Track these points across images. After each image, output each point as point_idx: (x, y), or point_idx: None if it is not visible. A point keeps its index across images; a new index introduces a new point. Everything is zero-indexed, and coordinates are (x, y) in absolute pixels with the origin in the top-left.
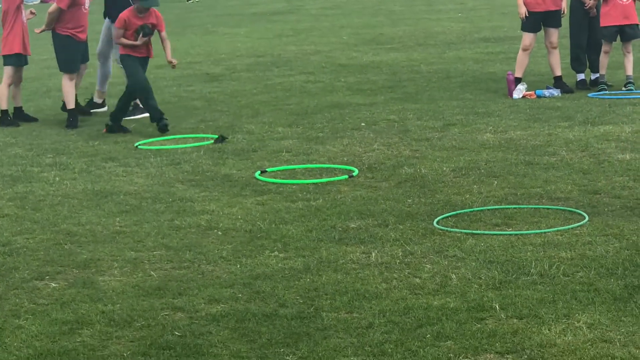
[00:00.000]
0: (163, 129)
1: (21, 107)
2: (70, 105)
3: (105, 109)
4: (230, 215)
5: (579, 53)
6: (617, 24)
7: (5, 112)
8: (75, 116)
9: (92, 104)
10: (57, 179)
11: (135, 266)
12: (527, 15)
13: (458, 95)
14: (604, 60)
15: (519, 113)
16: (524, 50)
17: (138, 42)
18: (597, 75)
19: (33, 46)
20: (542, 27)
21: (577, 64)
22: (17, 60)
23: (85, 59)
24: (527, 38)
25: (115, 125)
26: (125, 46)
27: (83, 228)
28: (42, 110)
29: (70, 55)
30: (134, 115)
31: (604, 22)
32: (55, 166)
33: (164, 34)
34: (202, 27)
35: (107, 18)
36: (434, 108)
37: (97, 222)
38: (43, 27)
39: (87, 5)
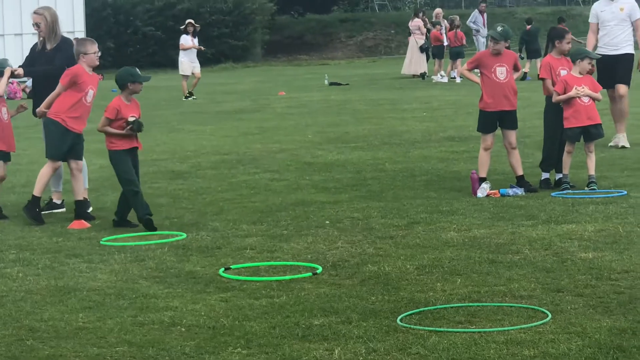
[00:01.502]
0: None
1: None
2: (36, 192)
3: (63, 209)
4: (194, 312)
5: (551, 154)
6: (582, 124)
7: None
8: (36, 204)
9: (51, 205)
10: (20, 274)
11: None
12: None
13: (422, 193)
14: (566, 160)
15: (482, 211)
16: (485, 149)
17: (123, 132)
18: (561, 175)
19: None
20: (500, 128)
21: (545, 165)
22: None
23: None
24: (486, 138)
25: (121, 221)
26: (111, 136)
27: (46, 324)
28: (6, 207)
29: (55, 140)
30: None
31: (568, 123)
32: (19, 262)
33: None
34: (168, 125)
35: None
36: (398, 206)
37: (60, 318)
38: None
39: (89, 97)
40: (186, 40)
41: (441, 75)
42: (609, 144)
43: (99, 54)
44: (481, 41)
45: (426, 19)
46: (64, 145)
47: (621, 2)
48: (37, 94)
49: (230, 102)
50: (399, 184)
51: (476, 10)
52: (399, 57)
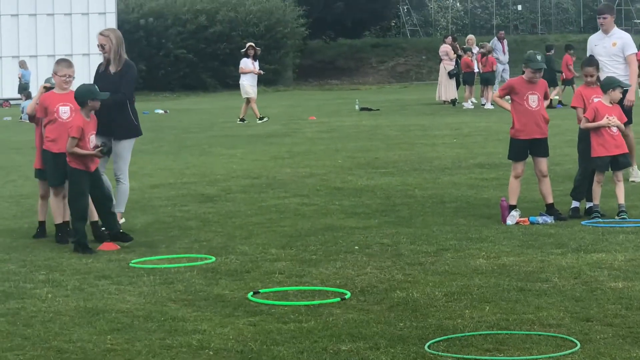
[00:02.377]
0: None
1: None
2: (57, 220)
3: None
4: (222, 336)
5: (584, 183)
6: (611, 154)
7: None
8: (64, 231)
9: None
10: (50, 295)
11: None
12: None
13: (452, 220)
14: (596, 189)
15: (512, 239)
16: (516, 177)
17: (93, 153)
18: (592, 204)
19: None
20: (530, 155)
21: (576, 193)
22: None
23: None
24: (517, 166)
25: (117, 235)
26: (78, 157)
27: (74, 345)
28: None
29: (49, 168)
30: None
31: (597, 152)
32: (48, 283)
33: None
34: (199, 148)
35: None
36: (427, 233)
37: (89, 339)
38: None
39: (62, 114)
40: (246, 63)
41: (471, 102)
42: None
43: (71, 79)
44: (500, 68)
45: (457, 45)
46: (58, 170)
47: (614, 37)
48: (99, 118)
49: (261, 125)
50: (428, 210)
51: (495, 37)
52: (430, 83)
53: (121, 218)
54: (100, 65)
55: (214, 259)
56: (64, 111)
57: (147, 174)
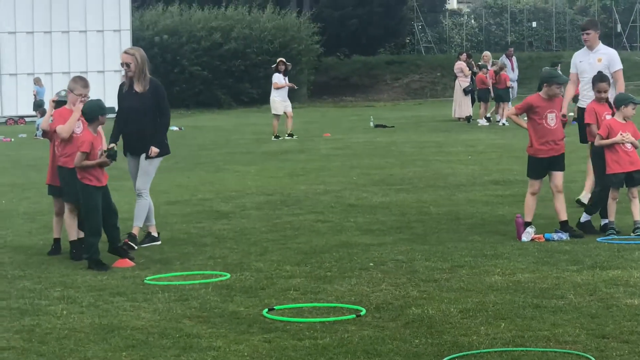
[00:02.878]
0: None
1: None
2: (71, 237)
3: (159, 242)
4: (237, 352)
5: (604, 199)
6: (625, 170)
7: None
8: (78, 248)
9: (150, 238)
10: (65, 312)
11: None
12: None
13: (467, 237)
14: (612, 206)
15: (527, 256)
16: (532, 194)
17: (100, 160)
18: (607, 221)
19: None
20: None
21: (592, 208)
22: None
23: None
24: (534, 183)
25: (117, 250)
26: (88, 171)
27: None
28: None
29: (65, 184)
30: (144, 244)
31: (612, 169)
32: (63, 300)
33: None
34: (213, 164)
35: (130, 154)
36: (442, 249)
37: (104, 356)
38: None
39: (76, 130)
40: (279, 78)
41: (486, 119)
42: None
43: (86, 98)
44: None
45: (472, 62)
46: (69, 186)
47: (600, 52)
48: (130, 138)
49: (276, 142)
50: (443, 227)
51: (503, 55)
52: (445, 100)
53: (137, 232)
54: (122, 85)
55: (228, 275)
56: (78, 126)
57: (162, 191)
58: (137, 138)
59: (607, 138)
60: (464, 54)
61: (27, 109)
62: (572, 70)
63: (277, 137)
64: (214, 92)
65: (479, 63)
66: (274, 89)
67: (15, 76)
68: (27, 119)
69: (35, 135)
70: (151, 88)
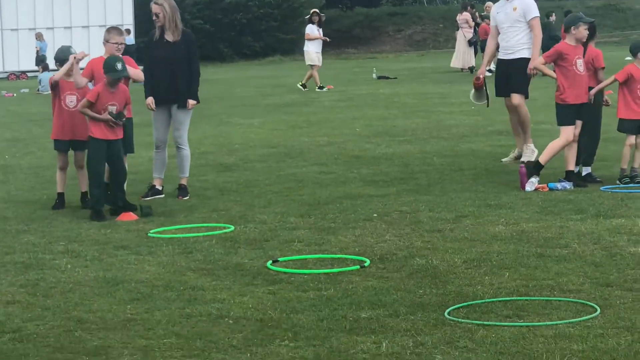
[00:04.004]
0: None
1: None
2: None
3: (163, 195)
4: (242, 304)
5: (595, 147)
6: (639, 118)
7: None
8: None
9: (153, 191)
10: (69, 266)
11: (145, 354)
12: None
13: (470, 187)
14: (626, 153)
15: (531, 205)
16: (567, 142)
17: (102, 117)
18: (589, 170)
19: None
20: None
21: (589, 159)
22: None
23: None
24: (568, 130)
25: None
26: (91, 120)
27: (94, 315)
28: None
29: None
30: (147, 197)
31: (624, 114)
32: (67, 254)
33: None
34: (216, 118)
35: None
36: (446, 200)
37: (108, 309)
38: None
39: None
40: (312, 30)
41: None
42: (503, 159)
43: (122, 46)
44: None
45: (476, 13)
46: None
47: (515, 1)
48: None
49: (279, 95)
50: (447, 178)
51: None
52: (448, 51)
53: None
54: (152, 33)
55: (232, 228)
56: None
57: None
58: (169, 88)
59: (626, 85)
60: (469, 5)
61: (28, 64)
62: (491, 23)
63: (320, 87)
64: (216, 45)
65: (482, 14)
66: (307, 40)
67: (16, 31)
68: (29, 74)
69: (38, 90)
70: (183, 38)
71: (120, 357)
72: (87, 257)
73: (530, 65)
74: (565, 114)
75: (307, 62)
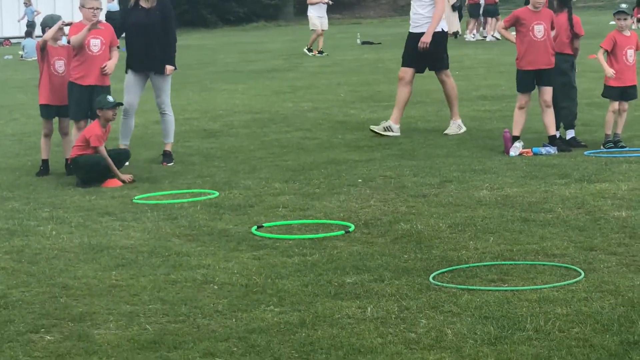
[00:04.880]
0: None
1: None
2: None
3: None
4: (227, 270)
5: (574, 111)
6: (623, 85)
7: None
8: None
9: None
10: (54, 232)
11: (130, 320)
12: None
13: (455, 152)
14: (610, 119)
15: (515, 170)
16: (520, 109)
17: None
18: (572, 133)
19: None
20: (536, 85)
21: (570, 123)
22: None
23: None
24: (522, 97)
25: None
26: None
27: (79, 281)
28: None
29: (73, 101)
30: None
31: (611, 81)
32: (52, 220)
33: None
34: (200, 84)
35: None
36: (430, 165)
37: (93, 275)
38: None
39: (93, 48)
40: None
41: (473, 35)
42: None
43: (98, 11)
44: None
45: None
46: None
47: None
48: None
49: (263, 61)
50: (431, 143)
51: None
52: None
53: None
54: (128, 1)
55: (217, 194)
56: (94, 44)
57: (149, 110)
58: (145, 54)
59: (612, 53)
60: None
61: (12, 31)
62: None
63: (320, 52)
64: (200, 11)
65: None
66: (309, 4)
67: None
68: (12, 40)
69: (22, 57)
70: (159, 3)
71: (105, 323)
72: (72, 224)
73: (423, 38)
74: (521, 79)
75: (310, 27)
